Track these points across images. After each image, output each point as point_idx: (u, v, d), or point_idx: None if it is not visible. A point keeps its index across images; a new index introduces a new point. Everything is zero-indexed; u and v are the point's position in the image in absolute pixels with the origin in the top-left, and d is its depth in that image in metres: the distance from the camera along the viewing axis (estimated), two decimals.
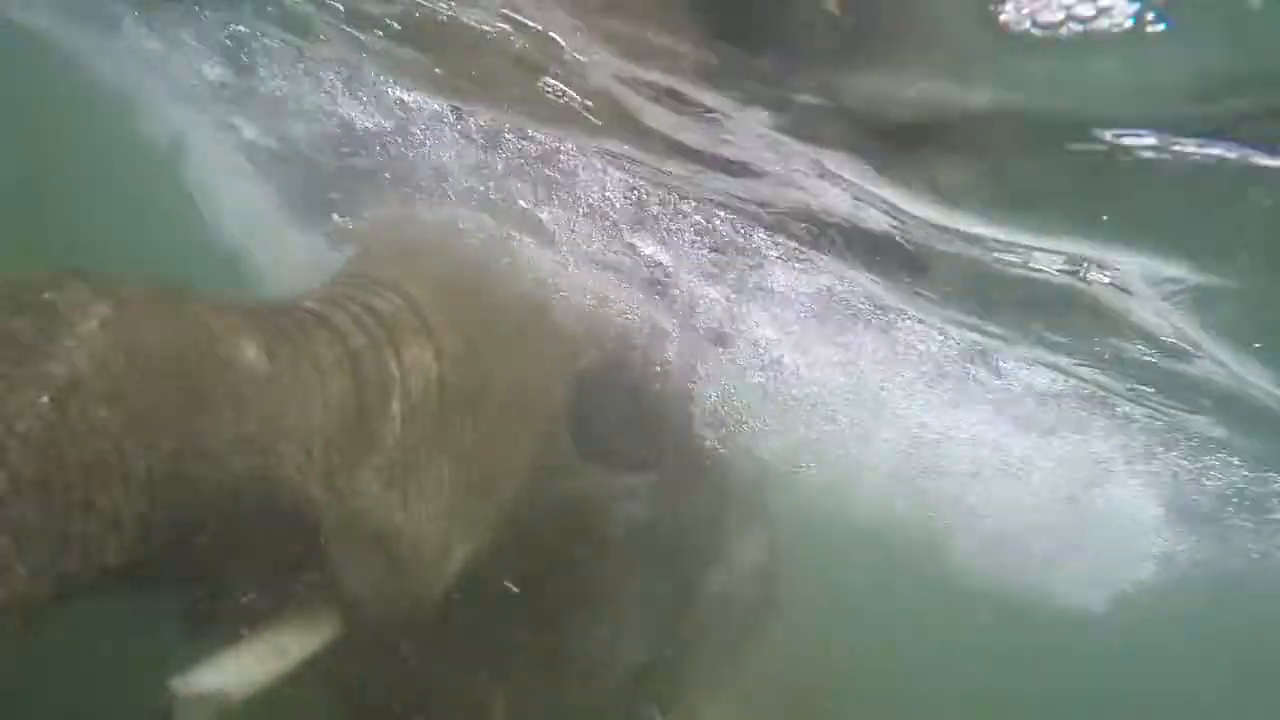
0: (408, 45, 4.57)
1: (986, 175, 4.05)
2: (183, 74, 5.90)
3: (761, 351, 6.71)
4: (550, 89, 4.29)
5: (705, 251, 5.40)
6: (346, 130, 5.42)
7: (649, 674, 4.91)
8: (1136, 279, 4.54)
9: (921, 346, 6.63)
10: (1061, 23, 2.78)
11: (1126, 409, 7.09)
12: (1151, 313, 4.89)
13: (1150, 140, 3.31)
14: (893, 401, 7.68)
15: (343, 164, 5.65)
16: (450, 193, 5.25)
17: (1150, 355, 5.64)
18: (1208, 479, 8.73)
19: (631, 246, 5.39)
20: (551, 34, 3.91)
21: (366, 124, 5.30)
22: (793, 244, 5.22)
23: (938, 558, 10.74)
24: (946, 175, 4.10)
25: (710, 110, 4.10)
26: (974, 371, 6.94)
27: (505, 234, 5.03)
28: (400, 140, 5.25)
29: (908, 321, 6.17)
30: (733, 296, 5.92)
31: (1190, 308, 4.68)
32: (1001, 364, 6.72)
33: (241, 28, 5.16)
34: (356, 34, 4.57)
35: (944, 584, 11.97)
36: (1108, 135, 3.36)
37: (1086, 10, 2.68)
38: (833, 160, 4.25)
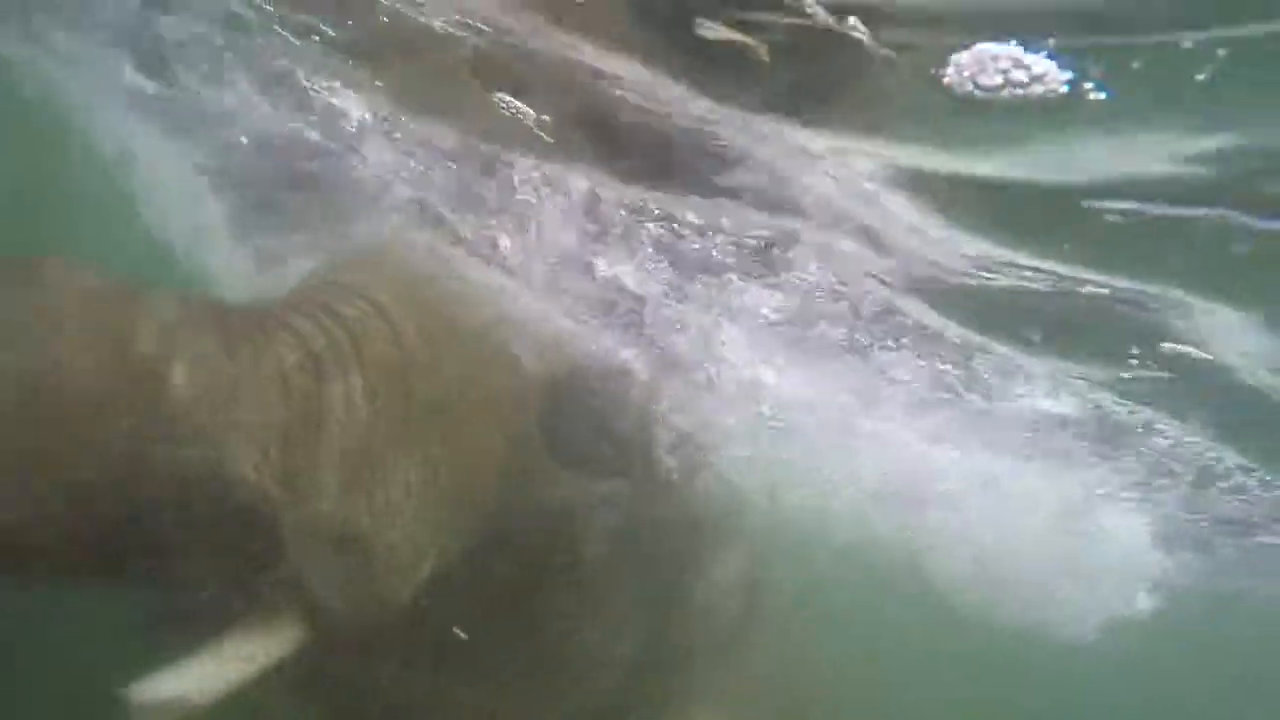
0: (350, 55, 4.42)
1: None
2: (111, 80, 5.76)
3: (734, 371, 6.60)
4: (504, 104, 4.29)
5: (665, 268, 5.43)
6: (285, 142, 5.30)
7: (631, 684, 4.97)
8: None
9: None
10: (1001, 86, 2.97)
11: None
12: None
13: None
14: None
15: (282, 175, 5.52)
16: (392, 205, 5.13)
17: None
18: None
19: (589, 265, 5.38)
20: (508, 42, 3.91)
21: (308, 134, 5.18)
22: (759, 263, 5.23)
23: (922, 579, 10.68)
24: None
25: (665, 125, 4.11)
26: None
27: (452, 249, 5.03)
28: (339, 151, 5.16)
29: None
30: (696, 315, 5.87)
31: None
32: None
33: (166, 30, 5.00)
34: (292, 39, 4.42)
35: (932, 606, 11.92)
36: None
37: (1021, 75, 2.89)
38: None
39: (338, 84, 4.87)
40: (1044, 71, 2.86)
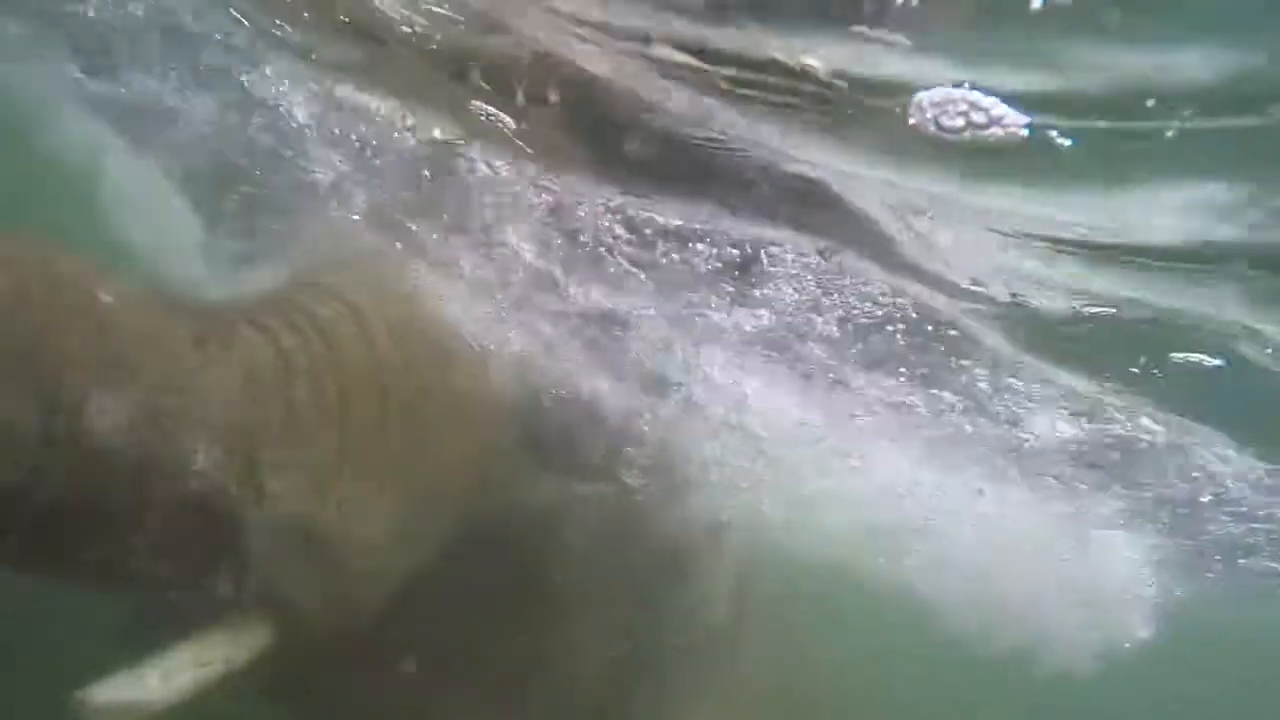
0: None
1: None
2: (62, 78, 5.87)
3: (716, 389, 6.64)
4: (481, 111, 4.29)
5: (643, 281, 5.42)
6: (245, 143, 5.41)
7: (611, 690, 5.05)
8: None
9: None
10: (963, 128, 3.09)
11: None
12: None
13: None
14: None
15: (244, 177, 5.57)
16: (353, 209, 5.17)
17: None
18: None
19: (557, 282, 5.38)
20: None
21: (267, 136, 5.24)
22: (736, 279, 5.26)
23: (915, 605, 10.66)
24: None
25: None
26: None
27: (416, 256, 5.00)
28: (293, 154, 5.25)
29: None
30: (674, 332, 5.91)
31: None
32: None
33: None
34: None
35: (925, 633, 11.89)
36: None
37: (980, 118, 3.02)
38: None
39: (301, 85, 4.88)
40: (1002, 114, 2.96)
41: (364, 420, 3.57)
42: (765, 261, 5.01)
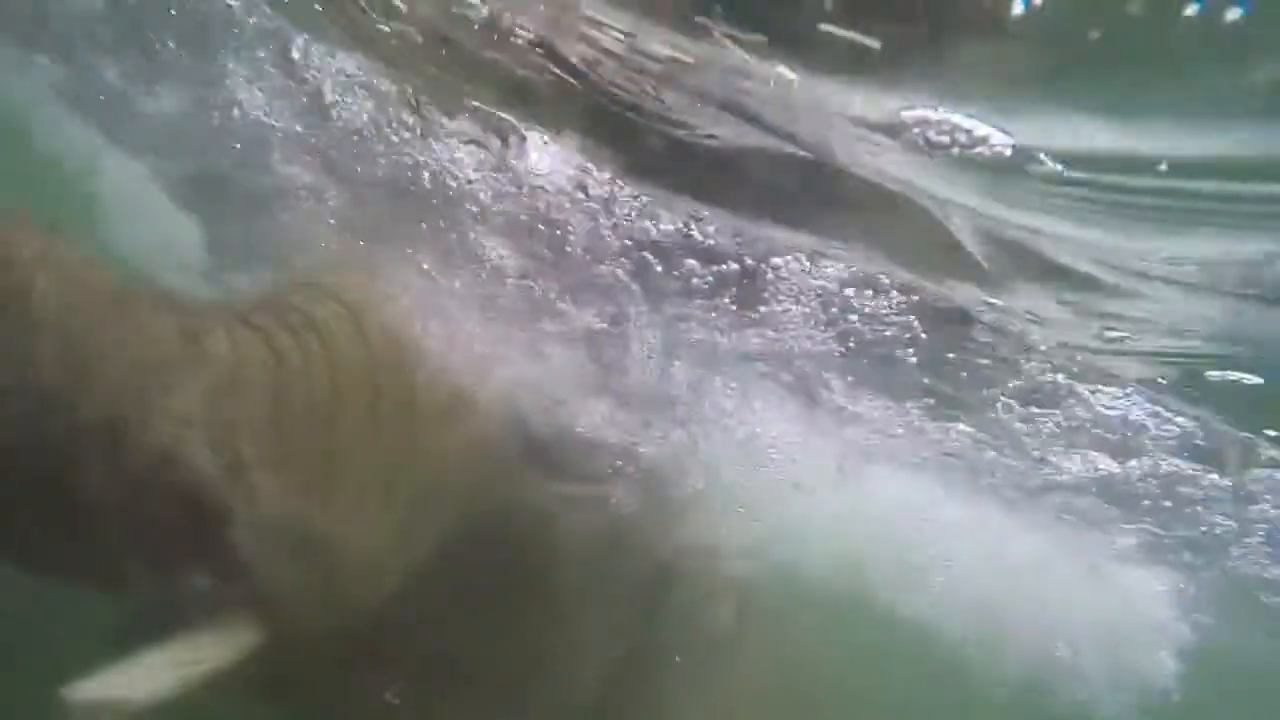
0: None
1: None
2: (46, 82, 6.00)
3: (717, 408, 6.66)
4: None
5: (636, 293, 5.48)
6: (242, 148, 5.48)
7: (607, 697, 5.02)
8: None
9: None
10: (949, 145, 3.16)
11: None
12: None
13: None
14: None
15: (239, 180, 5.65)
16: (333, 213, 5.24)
17: None
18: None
19: (548, 291, 5.46)
20: None
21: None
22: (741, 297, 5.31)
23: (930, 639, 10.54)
24: None
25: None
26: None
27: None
28: (286, 156, 5.33)
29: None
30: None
31: None
32: None
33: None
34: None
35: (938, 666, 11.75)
36: None
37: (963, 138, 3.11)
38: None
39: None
40: (986, 134, 3.06)
41: (358, 420, 3.63)
42: (770, 274, 5.01)
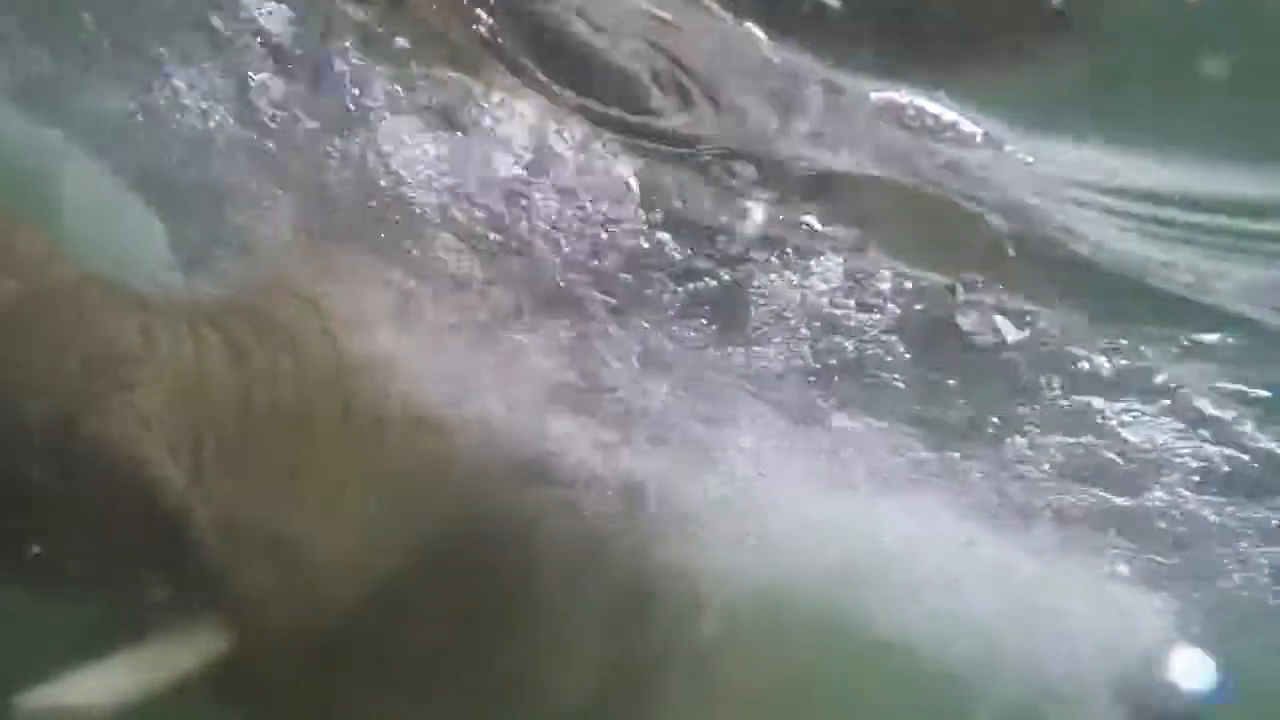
0: None
1: None
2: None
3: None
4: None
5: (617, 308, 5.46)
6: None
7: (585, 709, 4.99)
8: None
9: None
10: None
11: None
12: None
13: None
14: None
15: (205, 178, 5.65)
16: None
17: None
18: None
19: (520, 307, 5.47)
20: None
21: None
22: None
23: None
24: None
25: None
26: None
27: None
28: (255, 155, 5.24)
29: None
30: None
31: None
32: None
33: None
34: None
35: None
36: None
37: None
38: None
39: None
40: (954, 120, 3.09)
41: (327, 422, 3.62)
42: (754, 286, 4.97)
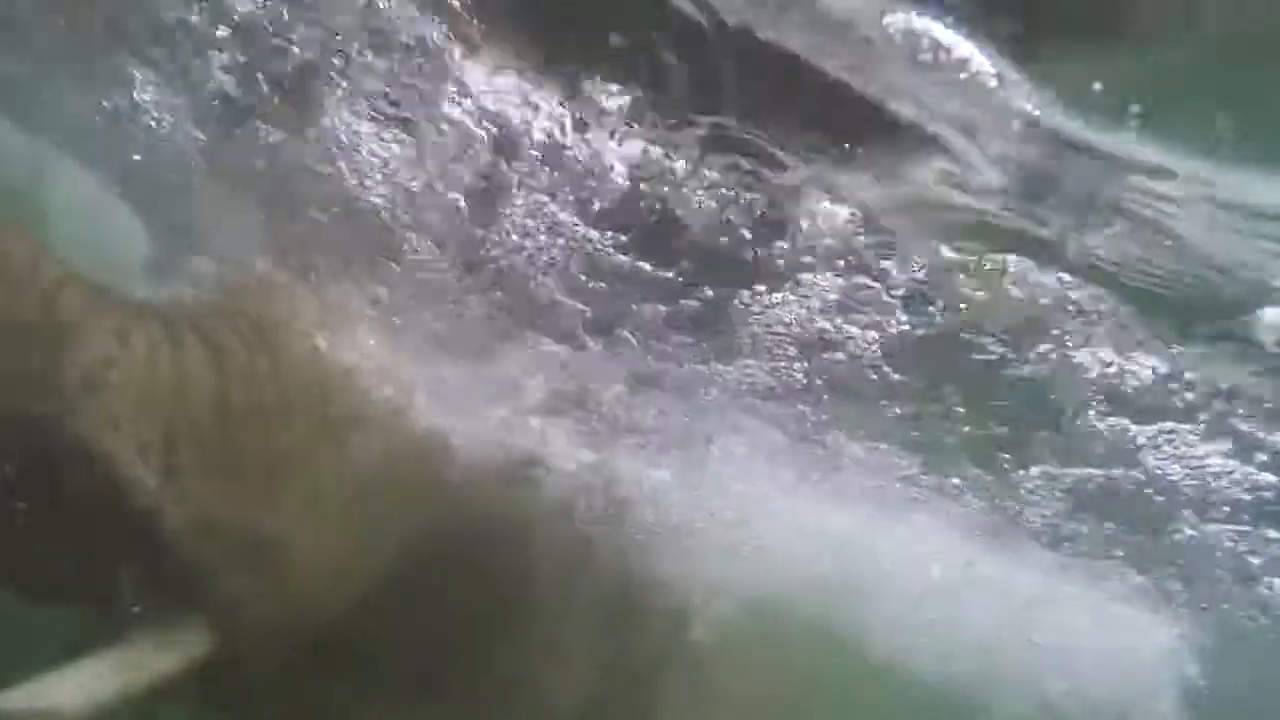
0: None
1: None
2: None
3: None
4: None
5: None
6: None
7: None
8: None
9: None
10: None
11: None
12: None
13: None
14: None
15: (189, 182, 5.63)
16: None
17: None
18: None
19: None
20: None
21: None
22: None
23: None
24: None
25: None
26: None
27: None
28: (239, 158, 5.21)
29: None
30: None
31: None
32: None
33: None
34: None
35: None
36: None
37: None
38: None
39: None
40: (967, 56, 2.97)
41: (308, 424, 3.65)
42: (742, 302, 4.96)
